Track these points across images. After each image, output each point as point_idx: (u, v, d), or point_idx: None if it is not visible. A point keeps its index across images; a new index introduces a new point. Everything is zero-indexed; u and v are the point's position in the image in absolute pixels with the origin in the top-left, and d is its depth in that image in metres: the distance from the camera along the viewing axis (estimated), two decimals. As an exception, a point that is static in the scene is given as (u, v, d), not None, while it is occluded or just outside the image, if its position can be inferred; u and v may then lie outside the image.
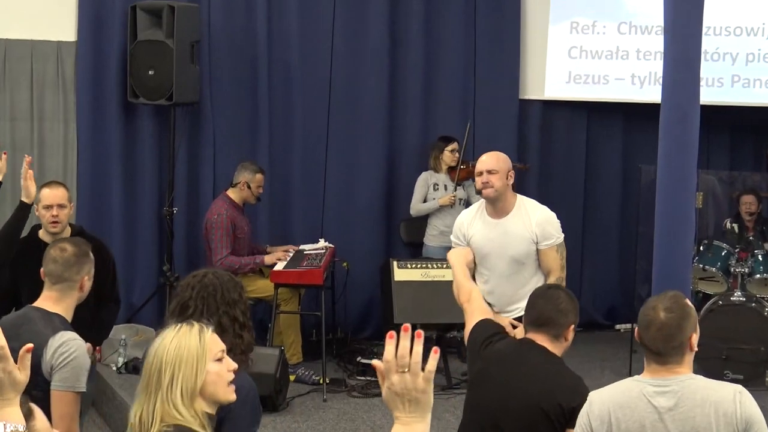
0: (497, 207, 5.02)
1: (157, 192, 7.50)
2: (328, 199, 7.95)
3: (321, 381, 6.60)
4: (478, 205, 5.18)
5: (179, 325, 2.63)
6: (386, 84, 7.98)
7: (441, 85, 8.17)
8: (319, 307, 6.74)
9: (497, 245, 5.01)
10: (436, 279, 6.74)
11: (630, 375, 7.07)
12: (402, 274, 6.78)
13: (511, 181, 5.06)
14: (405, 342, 2.04)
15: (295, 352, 7.00)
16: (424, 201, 7.64)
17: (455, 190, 7.55)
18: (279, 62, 7.78)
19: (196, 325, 2.62)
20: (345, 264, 7.46)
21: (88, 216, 7.26)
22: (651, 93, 7.88)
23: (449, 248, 7.28)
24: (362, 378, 6.88)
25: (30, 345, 2.32)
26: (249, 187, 7.08)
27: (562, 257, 5.02)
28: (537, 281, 4.98)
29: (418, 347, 2.05)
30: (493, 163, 5.01)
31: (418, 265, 6.85)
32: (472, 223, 5.09)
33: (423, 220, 7.74)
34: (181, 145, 7.43)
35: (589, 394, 3.30)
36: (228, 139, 7.69)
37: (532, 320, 3.76)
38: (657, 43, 7.71)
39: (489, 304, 5.04)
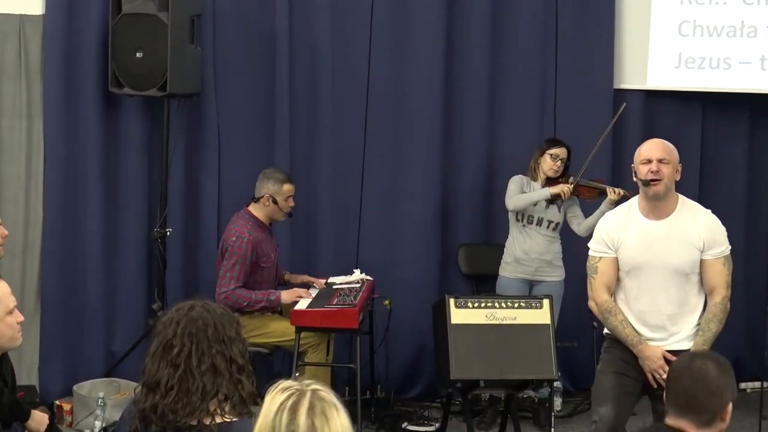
0: (659, 206, 5.24)
1: (146, 208, 7.53)
2: (365, 220, 7.95)
3: (355, 453, 6.52)
4: (628, 206, 5.41)
5: None
6: (440, 72, 7.94)
7: (512, 71, 8.12)
8: (354, 357, 6.77)
9: (656, 252, 5.21)
10: (505, 322, 6.62)
11: (761, 446, 6.99)
12: (461, 315, 6.66)
13: (679, 177, 5.30)
14: None
15: (323, 415, 6.90)
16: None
17: (547, 207, 7.45)
18: (303, 44, 7.78)
19: None
20: (387, 302, 7.43)
21: (58, 237, 7.35)
22: (786, 80, 7.93)
23: (527, 281, 7.34)
24: (409, 449, 6.88)
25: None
26: (275, 202, 7.03)
27: (729, 272, 5.29)
28: (700, 300, 5.32)
29: None
30: (664, 150, 5.27)
31: (482, 304, 6.72)
32: (625, 226, 5.28)
33: (494, 245, 7.73)
34: (177, 147, 7.45)
35: None
36: (237, 140, 7.72)
37: (676, 401, 3.64)
38: (794, 15, 7.68)
39: (637, 332, 5.29)
